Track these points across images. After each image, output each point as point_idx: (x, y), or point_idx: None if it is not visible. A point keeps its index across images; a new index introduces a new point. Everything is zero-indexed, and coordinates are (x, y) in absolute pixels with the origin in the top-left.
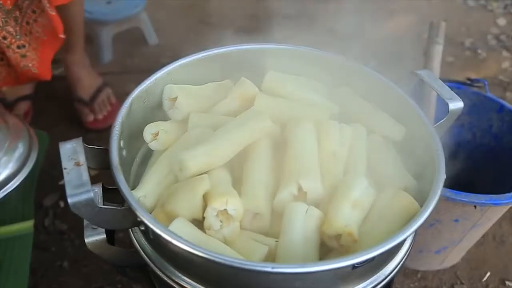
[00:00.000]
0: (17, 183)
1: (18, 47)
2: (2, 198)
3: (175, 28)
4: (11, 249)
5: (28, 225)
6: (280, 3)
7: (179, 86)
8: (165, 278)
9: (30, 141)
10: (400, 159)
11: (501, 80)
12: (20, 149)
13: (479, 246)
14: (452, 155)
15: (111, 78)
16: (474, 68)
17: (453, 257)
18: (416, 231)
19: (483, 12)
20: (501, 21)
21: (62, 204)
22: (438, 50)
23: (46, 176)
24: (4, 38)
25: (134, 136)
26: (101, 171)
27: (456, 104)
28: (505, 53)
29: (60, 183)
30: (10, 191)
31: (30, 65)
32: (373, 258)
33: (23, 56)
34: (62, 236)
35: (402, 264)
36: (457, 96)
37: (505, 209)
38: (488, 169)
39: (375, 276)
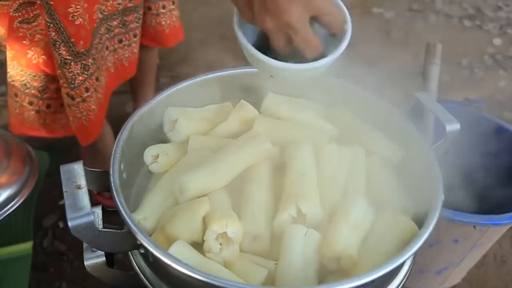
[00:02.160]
0: (17, 205)
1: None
2: (2, 219)
3: (174, 48)
4: (10, 270)
5: (27, 246)
6: None
7: (180, 109)
8: None
9: (31, 162)
10: (398, 180)
11: (499, 99)
12: (20, 170)
13: (479, 267)
14: (450, 176)
15: (110, 98)
16: (471, 87)
17: (454, 277)
18: (415, 253)
19: (479, 32)
20: (497, 41)
21: (61, 224)
22: (435, 71)
23: (45, 196)
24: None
25: (135, 158)
26: None
27: (453, 126)
28: (501, 72)
29: (60, 203)
30: (10, 213)
31: (88, 111)
32: (372, 281)
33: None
34: (61, 257)
35: (402, 286)
36: (454, 118)
37: (504, 229)
38: (486, 189)
39: None
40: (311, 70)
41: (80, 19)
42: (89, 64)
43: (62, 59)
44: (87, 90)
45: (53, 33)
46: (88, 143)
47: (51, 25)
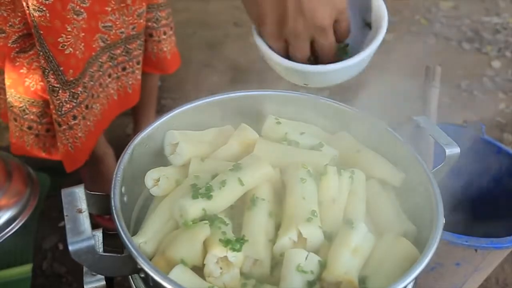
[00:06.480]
0: (18, 227)
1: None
2: (2, 241)
3: (176, 70)
4: None
5: (26, 269)
6: None
7: (181, 132)
8: None
9: (31, 184)
10: (399, 204)
11: (498, 121)
12: (21, 192)
13: None
14: (450, 199)
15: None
16: (471, 109)
17: None
18: (417, 277)
19: (478, 55)
20: (496, 64)
21: (61, 246)
22: (434, 94)
23: (45, 217)
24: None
25: (135, 181)
26: None
27: (453, 150)
28: (501, 95)
29: (60, 225)
30: (10, 235)
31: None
32: None
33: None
34: (60, 280)
35: None
36: (453, 142)
37: (506, 252)
38: (487, 211)
39: None
40: (350, 68)
41: (71, 49)
42: (79, 92)
43: (51, 86)
44: (74, 118)
45: (43, 61)
46: (73, 170)
47: (41, 53)
